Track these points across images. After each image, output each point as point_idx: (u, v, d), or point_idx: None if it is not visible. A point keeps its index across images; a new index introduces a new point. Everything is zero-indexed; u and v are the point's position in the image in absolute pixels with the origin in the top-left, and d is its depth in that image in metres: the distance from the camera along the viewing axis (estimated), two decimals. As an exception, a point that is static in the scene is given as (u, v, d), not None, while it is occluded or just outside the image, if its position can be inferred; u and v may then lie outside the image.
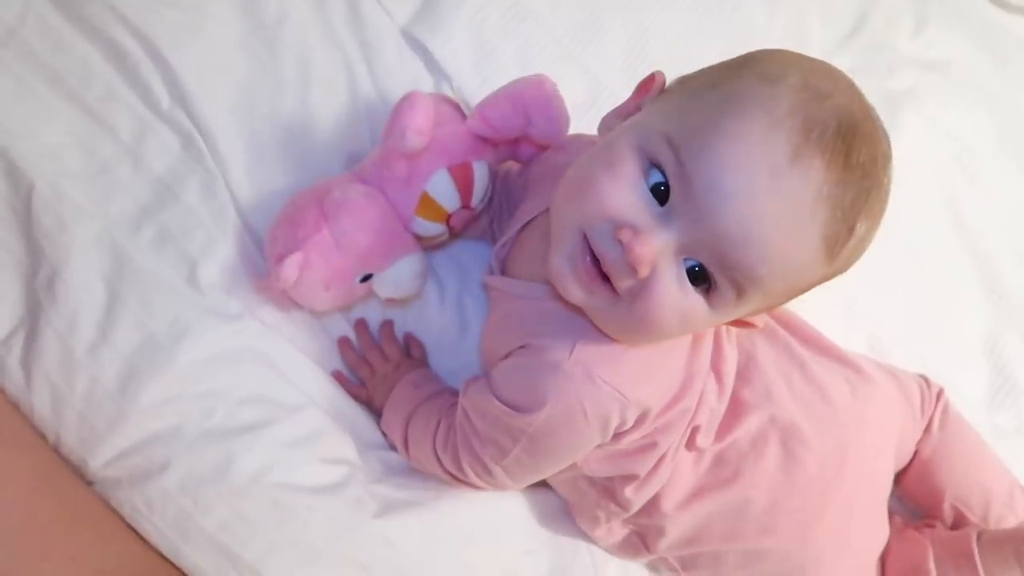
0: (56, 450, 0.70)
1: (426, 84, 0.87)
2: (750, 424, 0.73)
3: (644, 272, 0.55)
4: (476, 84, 0.87)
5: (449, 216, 0.76)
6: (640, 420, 0.66)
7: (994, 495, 0.82)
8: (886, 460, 0.80)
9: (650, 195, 0.56)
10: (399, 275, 0.76)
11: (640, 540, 0.78)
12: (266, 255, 0.75)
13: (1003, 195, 1.04)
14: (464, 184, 0.75)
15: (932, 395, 0.84)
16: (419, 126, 0.71)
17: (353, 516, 0.71)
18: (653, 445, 0.69)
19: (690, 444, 0.71)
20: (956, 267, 0.99)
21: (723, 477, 0.73)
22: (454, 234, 0.80)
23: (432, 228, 0.76)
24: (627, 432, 0.67)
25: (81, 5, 0.77)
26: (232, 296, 0.75)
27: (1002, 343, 0.96)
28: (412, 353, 0.85)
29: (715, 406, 0.71)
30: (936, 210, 1.01)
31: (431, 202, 0.75)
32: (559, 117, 0.76)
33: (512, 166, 0.85)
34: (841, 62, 0.60)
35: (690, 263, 0.56)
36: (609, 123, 0.65)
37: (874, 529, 0.80)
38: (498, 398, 0.66)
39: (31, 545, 0.64)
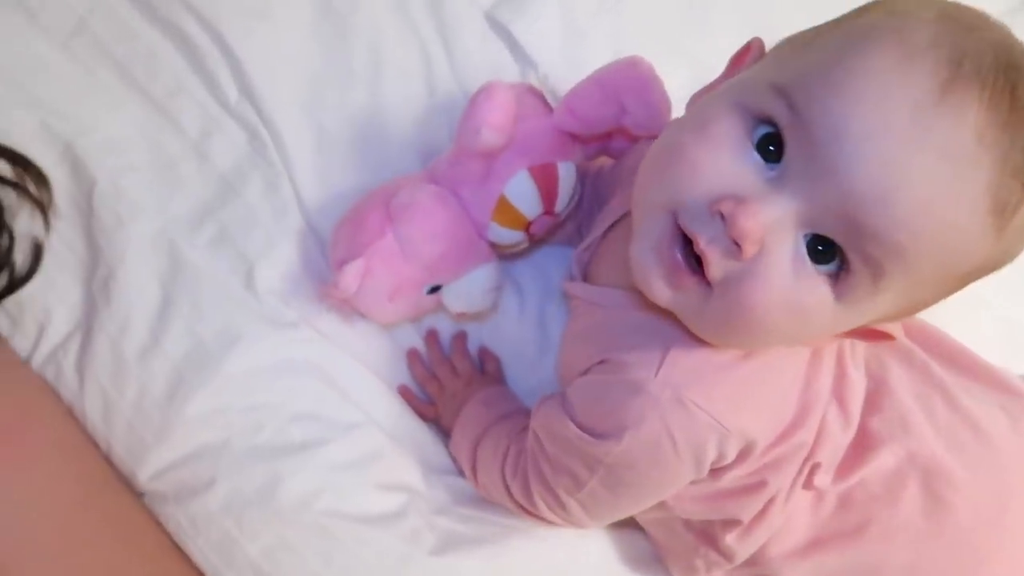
0: (108, 459, 0.68)
1: (510, 73, 0.80)
2: (883, 461, 0.61)
3: (751, 250, 0.45)
4: (565, 71, 0.78)
5: (529, 223, 0.68)
6: (743, 454, 0.56)
7: None
8: None
9: (757, 156, 0.46)
10: (471, 287, 0.69)
11: (749, 596, 0.68)
12: (328, 259, 0.70)
13: None
14: (547, 187, 0.67)
15: None
16: (497, 122, 0.63)
17: (407, 552, 0.65)
18: (761, 485, 0.59)
19: (807, 484, 0.60)
20: None
21: (850, 525, 0.61)
22: (534, 242, 0.72)
23: (509, 236, 0.69)
24: (727, 468, 0.57)
25: (150, -7, 0.74)
26: (289, 303, 0.70)
27: None
28: (486, 369, 0.78)
29: (839, 439, 0.60)
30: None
31: (509, 207, 0.67)
32: (658, 102, 0.66)
33: (605, 162, 0.76)
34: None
35: (811, 235, 0.45)
36: (699, 98, 0.56)
37: None
38: (573, 420, 0.58)
39: (69, 558, 0.61)
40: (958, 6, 0.46)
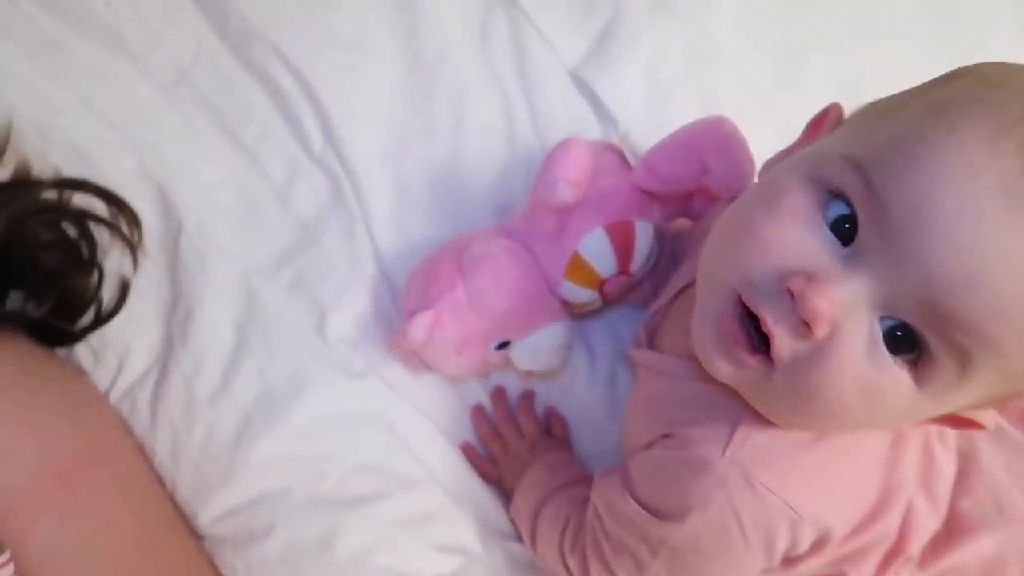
0: (172, 499, 0.68)
1: (592, 130, 0.79)
2: (979, 546, 0.56)
3: (821, 332, 0.42)
4: (647, 130, 0.77)
5: (603, 282, 0.66)
6: (819, 543, 0.53)
7: None
8: None
9: (830, 233, 0.43)
10: (539, 345, 0.67)
11: None
12: (400, 309, 0.70)
13: None
14: (623, 246, 0.66)
15: None
16: (573, 176, 0.62)
17: (461, 616, 0.62)
18: (840, 576, 0.55)
19: (886, 572, 0.56)
20: None
21: None
22: (608, 301, 0.70)
23: (582, 294, 0.67)
24: (802, 558, 0.54)
25: (248, 46, 0.77)
26: (359, 351, 0.70)
27: None
28: (553, 431, 0.76)
29: (927, 528, 0.56)
30: None
31: (583, 264, 0.66)
32: (742, 161, 0.63)
33: (684, 224, 0.74)
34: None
35: (890, 324, 0.42)
36: (772, 164, 0.54)
37: None
38: (634, 497, 0.56)
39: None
40: None
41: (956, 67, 0.46)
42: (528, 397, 0.76)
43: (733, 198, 0.63)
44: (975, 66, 0.45)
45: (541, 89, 0.79)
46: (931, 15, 0.86)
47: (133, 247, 0.71)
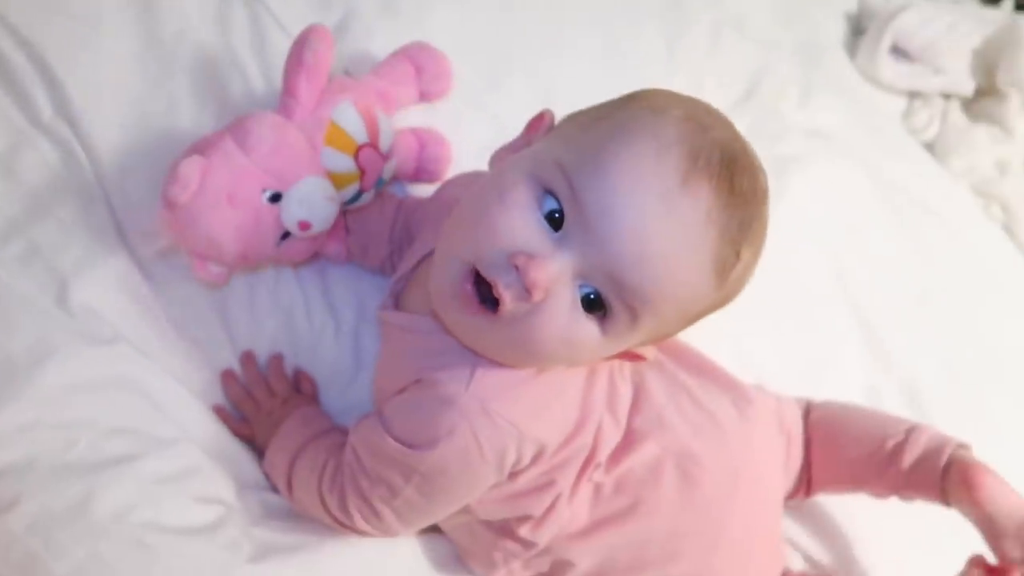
0: None
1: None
2: (645, 451, 0.72)
3: (538, 297, 0.55)
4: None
5: (358, 150, 0.73)
6: (537, 457, 0.65)
7: (889, 424, 0.81)
8: (775, 479, 0.81)
9: (544, 222, 0.57)
10: (309, 192, 0.70)
11: (546, 580, 0.76)
12: (161, 194, 0.67)
13: (881, 253, 1.10)
14: (370, 121, 0.74)
15: (803, 405, 0.87)
16: (324, 39, 0.71)
17: (224, 560, 0.65)
18: (550, 484, 0.68)
19: (583, 477, 0.70)
20: (838, 320, 1.03)
21: (623, 507, 0.72)
22: (364, 187, 0.76)
23: (342, 161, 0.73)
24: (523, 470, 0.66)
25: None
26: (105, 319, 0.70)
27: (881, 395, 1.00)
28: (302, 389, 0.81)
29: (612, 440, 0.71)
30: (821, 265, 1.05)
31: (338, 131, 0.72)
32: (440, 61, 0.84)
33: (413, 201, 0.84)
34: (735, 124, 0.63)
35: (586, 290, 0.57)
36: (500, 157, 0.66)
37: (772, 550, 0.80)
38: (390, 434, 0.64)
39: None
40: (698, 105, 0.60)
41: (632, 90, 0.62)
42: (277, 358, 0.81)
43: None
44: (647, 94, 0.61)
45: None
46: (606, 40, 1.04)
47: None
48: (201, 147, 0.68)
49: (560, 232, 0.56)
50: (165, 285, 0.76)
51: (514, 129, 0.92)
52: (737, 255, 0.57)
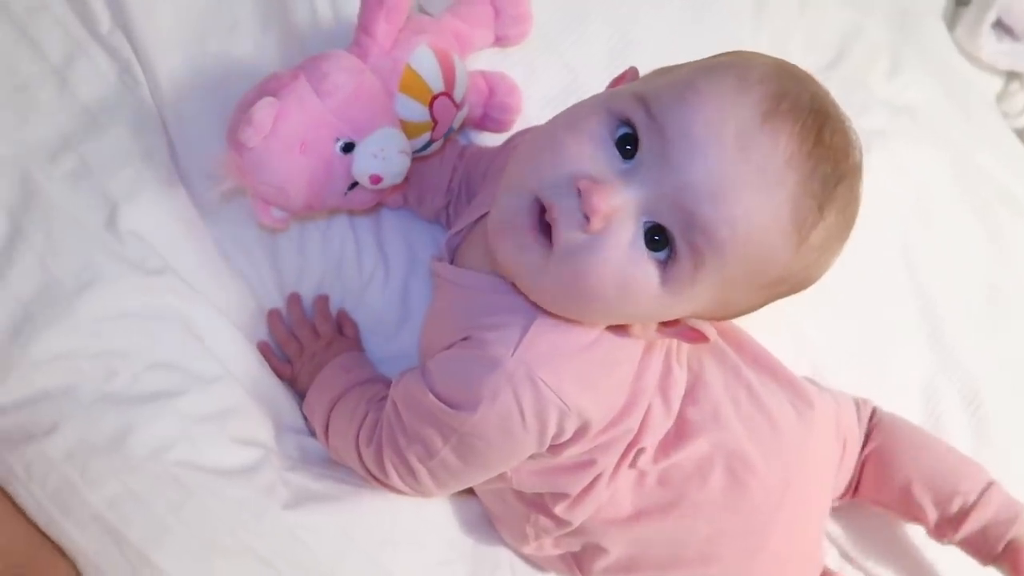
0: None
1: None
2: (696, 447, 0.69)
3: (597, 225, 0.52)
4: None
5: (433, 99, 0.70)
6: (579, 433, 0.62)
7: (962, 474, 0.79)
8: (824, 488, 0.78)
9: (615, 150, 0.54)
10: (385, 144, 0.67)
11: (574, 561, 0.74)
12: (228, 135, 0.65)
13: (955, 246, 1.04)
14: (447, 67, 0.71)
15: (867, 410, 0.84)
16: None
17: (260, 504, 0.64)
18: (590, 463, 0.66)
19: (632, 464, 0.68)
20: (904, 311, 0.98)
21: (666, 500, 0.70)
22: (434, 137, 0.72)
23: (416, 110, 0.70)
24: (564, 445, 0.63)
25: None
26: (154, 248, 0.67)
27: (939, 394, 0.96)
28: (345, 332, 0.79)
29: (660, 427, 0.68)
30: (891, 251, 1.00)
31: (415, 77, 0.69)
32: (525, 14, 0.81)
33: (476, 150, 0.80)
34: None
35: (650, 224, 0.53)
36: None
37: (812, 555, 0.78)
38: (432, 391, 0.61)
39: None
40: (794, 65, 0.56)
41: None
42: (323, 300, 0.79)
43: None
44: (732, 52, 0.58)
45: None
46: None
47: None
48: (273, 87, 0.64)
49: (631, 162, 0.53)
50: (216, 218, 0.74)
51: (587, 80, 0.88)
52: (820, 211, 0.53)
